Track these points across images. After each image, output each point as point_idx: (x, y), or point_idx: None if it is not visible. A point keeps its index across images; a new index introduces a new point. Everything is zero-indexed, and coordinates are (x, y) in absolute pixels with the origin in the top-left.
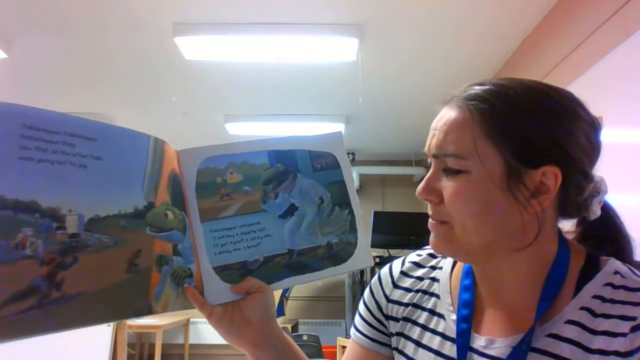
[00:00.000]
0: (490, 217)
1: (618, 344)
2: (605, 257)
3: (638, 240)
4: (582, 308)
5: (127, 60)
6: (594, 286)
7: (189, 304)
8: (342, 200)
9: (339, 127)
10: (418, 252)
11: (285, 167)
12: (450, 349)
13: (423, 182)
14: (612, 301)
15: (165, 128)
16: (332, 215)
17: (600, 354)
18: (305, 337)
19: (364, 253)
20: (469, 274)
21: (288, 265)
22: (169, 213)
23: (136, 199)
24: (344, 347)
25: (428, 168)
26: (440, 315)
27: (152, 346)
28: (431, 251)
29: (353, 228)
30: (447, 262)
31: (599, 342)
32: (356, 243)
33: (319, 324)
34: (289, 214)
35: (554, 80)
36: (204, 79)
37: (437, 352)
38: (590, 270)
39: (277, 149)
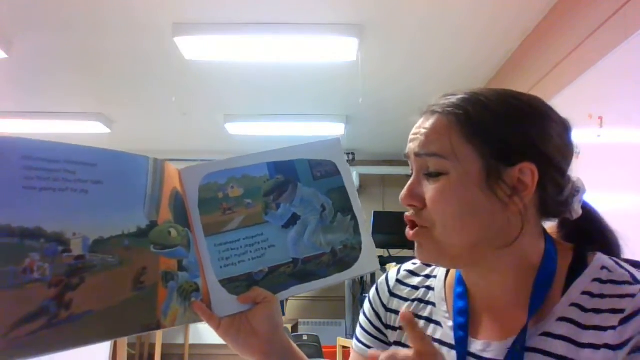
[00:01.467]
0: (472, 217)
1: (608, 338)
2: (592, 253)
3: (638, 239)
4: (572, 304)
5: (127, 60)
6: (583, 282)
7: (197, 318)
8: (344, 206)
9: (339, 127)
10: (413, 260)
11: (285, 177)
12: (447, 355)
13: (405, 188)
14: (601, 296)
15: (166, 128)
16: (334, 221)
17: (591, 348)
18: (305, 337)
19: (370, 257)
20: (461, 281)
21: (293, 274)
22: (172, 230)
23: (138, 219)
24: (344, 347)
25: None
26: (437, 323)
27: (152, 346)
28: None
29: (357, 233)
30: (441, 270)
31: (589, 337)
32: (361, 248)
33: (319, 324)
34: (292, 223)
35: (554, 80)
36: (203, 79)
37: None
38: (578, 266)
39: (276, 160)
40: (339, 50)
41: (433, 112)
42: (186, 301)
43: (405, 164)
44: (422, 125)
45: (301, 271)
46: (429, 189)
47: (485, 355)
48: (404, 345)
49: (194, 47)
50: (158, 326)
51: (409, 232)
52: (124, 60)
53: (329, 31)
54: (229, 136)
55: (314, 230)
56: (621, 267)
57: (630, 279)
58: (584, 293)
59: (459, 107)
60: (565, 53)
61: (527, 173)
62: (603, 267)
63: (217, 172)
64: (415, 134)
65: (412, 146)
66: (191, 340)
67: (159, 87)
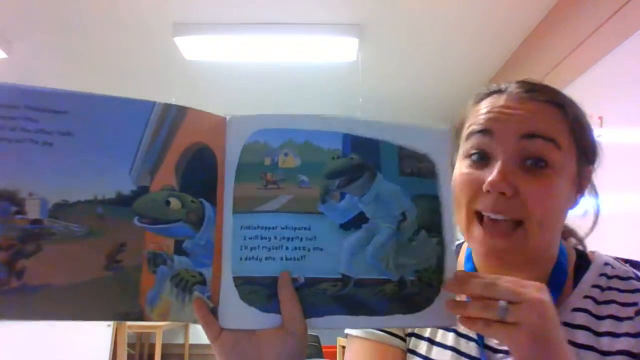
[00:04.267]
0: (563, 214)
1: (627, 327)
2: (591, 251)
3: (637, 240)
4: (586, 297)
5: (128, 60)
6: (591, 276)
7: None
8: (432, 223)
9: None
10: None
11: (362, 159)
12: (466, 346)
13: (498, 172)
14: (610, 289)
15: None
16: (414, 240)
17: (609, 336)
18: None
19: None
20: (469, 258)
21: (338, 297)
22: (173, 200)
23: (120, 182)
24: (344, 347)
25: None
26: None
27: (152, 346)
28: None
29: (440, 266)
30: None
31: (605, 326)
32: (439, 289)
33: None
34: (355, 225)
35: (554, 79)
36: (203, 79)
37: (454, 349)
38: (582, 262)
39: (357, 133)
40: (339, 50)
41: (531, 97)
42: (185, 294)
43: None
44: (522, 105)
45: (350, 297)
46: (530, 180)
47: (503, 347)
48: (417, 336)
49: (194, 47)
50: (141, 317)
51: (493, 218)
52: (124, 60)
53: (329, 31)
54: None
55: (383, 245)
56: (621, 264)
57: (632, 275)
58: (593, 286)
59: (561, 99)
60: (566, 53)
61: (590, 175)
62: (606, 264)
63: (272, 130)
64: (510, 113)
65: (510, 125)
66: (191, 340)
67: (159, 86)
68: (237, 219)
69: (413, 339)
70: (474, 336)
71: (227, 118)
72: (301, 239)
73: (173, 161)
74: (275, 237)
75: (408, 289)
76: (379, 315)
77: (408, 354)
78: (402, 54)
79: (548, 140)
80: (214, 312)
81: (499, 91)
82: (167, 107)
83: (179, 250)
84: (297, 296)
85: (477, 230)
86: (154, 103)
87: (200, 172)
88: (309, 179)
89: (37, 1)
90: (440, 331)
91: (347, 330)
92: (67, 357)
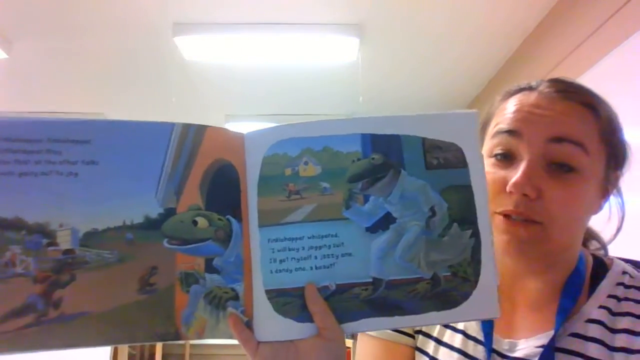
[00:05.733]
0: (587, 219)
1: None
2: (608, 257)
3: (639, 240)
4: (601, 307)
5: (128, 60)
6: (607, 285)
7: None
8: (464, 216)
9: None
10: None
11: (384, 158)
12: (474, 349)
13: (522, 173)
14: (626, 299)
15: None
16: (446, 235)
17: (624, 352)
18: None
19: (487, 297)
20: None
21: (370, 300)
22: (200, 220)
23: (147, 206)
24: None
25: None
26: None
27: (152, 347)
28: None
29: (475, 259)
30: None
31: (620, 340)
32: (476, 282)
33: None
34: (382, 227)
35: None
36: (204, 79)
37: (460, 352)
38: (600, 269)
39: (376, 132)
40: (340, 50)
41: (562, 97)
42: (219, 311)
43: None
44: (552, 106)
45: (382, 299)
46: (555, 184)
47: (512, 355)
48: (425, 334)
49: (194, 47)
50: (177, 337)
51: (512, 221)
52: (125, 60)
53: (329, 31)
54: None
55: (413, 243)
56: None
57: None
58: (609, 296)
59: (594, 100)
60: (566, 52)
61: (617, 180)
62: (624, 272)
63: (290, 140)
64: (540, 114)
65: (539, 127)
66: (192, 340)
67: (159, 87)
68: (264, 233)
69: (421, 337)
70: (482, 339)
71: (245, 134)
72: (329, 246)
73: (197, 180)
74: (303, 248)
75: (442, 285)
76: (414, 314)
77: (416, 352)
78: (402, 54)
79: (576, 144)
80: (248, 326)
81: (529, 88)
82: (186, 127)
83: (210, 268)
84: (328, 305)
85: (501, 221)
86: (173, 124)
87: (223, 189)
88: (331, 185)
89: (37, 1)
90: (448, 331)
91: None
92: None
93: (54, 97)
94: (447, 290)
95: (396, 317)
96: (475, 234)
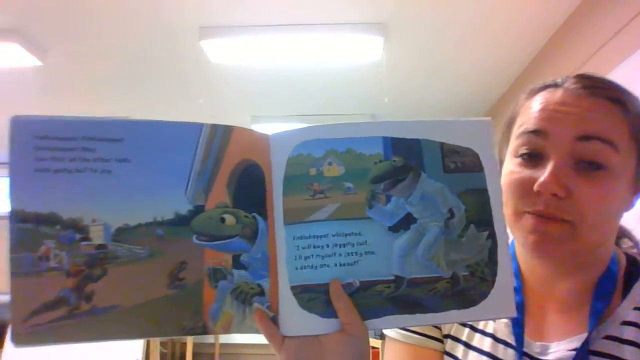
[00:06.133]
0: (618, 218)
1: None
2: None
3: None
4: (636, 308)
5: (156, 65)
6: None
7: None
8: (480, 218)
9: None
10: None
11: (405, 161)
12: (504, 353)
13: (550, 173)
14: None
15: None
16: (464, 236)
17: None
18: None
19: (504, 296)
20: (515, 276)
21: (393, 298)
22: (228, 217)
23: (177, 203)
24: (373, 348)
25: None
26: None
27: (183, 345)
28: None
29: (492, 260)
30: None
31: None
32: (493, 282)
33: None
34: (403, 226)
35: None
36: (230, 81)
37: (490, 355)
38: (634, 269)
39: (397, 135)
40: (364, 49)
41: (588, 93)
42: (246, 306)
43: None
44: (578, 103)
45: (404, 296)
46: (584, 182)
47: (544, 358)
48: (454, 338)
49: (220, 50)
50: (205, 331)
51: (541, 219)
52: (153, 64)
53: (354, 30)
54: None
55: (434, 243)
56: None
57: None
58: None
59: (623, 95)
60: (595, 48)
61: None
62: None
63: (314, 141)
64: (566, 112)
65: (565, 126)
66: (221, 340)
67: (187, 89)
68: (289, 231)
69: (450, 341)
70: (513, 342)
71: (270, 135)
72: (352, 244)
73: (224, 179)
74: (328, 245)
75: (461, 285)
76: (435, 312)
77: (445, 357)
78: (427, 52)
79: (605, 142)
80: (274, 321)
81: (554, 85)
82: (214, 127)
83: (237, 264)
84: (352, 301)
85: (529, 219)
86: (201, 125)
87: (250, 188)
88: (354, 185)
89: (69, 10)
90: (478, 335)
91: (385, 331)
92: (102, 355)
93: (86, 101)
94: (466, 289)
95: (417, 315)
96: (492, 236)
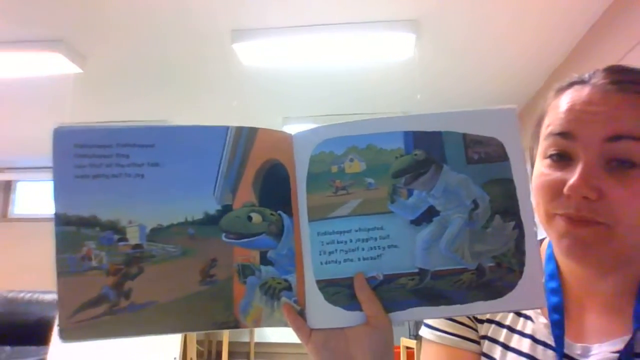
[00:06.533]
0: None
1: None
2: None
3: None
4: None
5: (190, 68)
6: None
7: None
8: (506, 208)
9: None
10: None
11: (426, 154)
12: (544, 354)
13: (579, 176)
14: None
15: None
16: (489, 227)
17: None
18: None
19: (532, 287)
20: (554, 276)
21: (417, 290)
22: (255, 215)
23: (206, 203)
24: (407, 348)
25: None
26: (527, 317)
27: (219, 344)
28: None
29: (519, 250)
30: None
31: None
32: (521, 272)
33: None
34: (426, 220)
35: None
36: (261, 83)
37: (529, 357)
38: None
39: (418, 129)
40: (396, 47)
41: (615, 90)
42: (274, 300)
43: None
44: (605, 102)
45: (428, 289)
46: (617, 183)
47: (585, 359)
48: (491, 339)
49: (251, 53)
50: (237, 325)
51: (573, 222)
52: (187, 68)
53: (385, 28)
54: None
55: (457, 235)
56: None
57: None
58: None
59: None
60: (636, 40)
61: None
62: None
63: (335, 139)
64: (593, 112)
65: (593, 127)
66: (256, 339)
67: (220, 92)
68: (314, 227)
69: (487, 342)
70: (552, 344)
71: (293, 134)
72: (375, 238)
73: (250, 179)
74: (351, 240)
75: (487, 276)
76: (460, 303)
77: (482, 358)
78: (460, 49)
79: (637, 140)
80: (301, 314)
81: (581, 82)
82: (239, 129)
83: (265, 260)
84: (376, 294)
85: (560, 222)
86: (227, 127)
87: (275, 187)
88: (375, 180)
89: (106, 17)
90: (516, 336)
91: (421, 333)
92: (142, 354)
93: (123, 106)
94: (493, 280)
95: (442, 307)
96: (519, 226)
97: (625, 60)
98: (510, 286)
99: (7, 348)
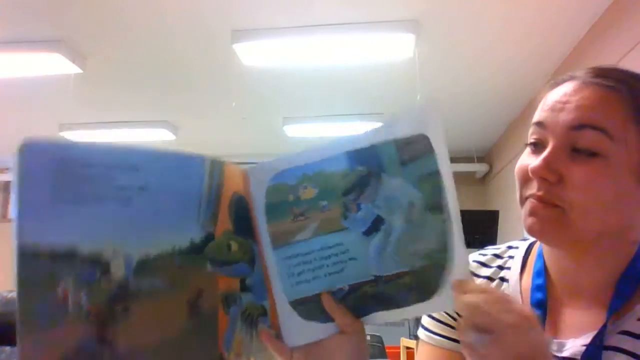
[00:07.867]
0: (618, 206)
1: None
2: None
3: None
4: None
5: (190, 69)
6: None
7: (267, 348)
8: (436, 201)
9: None
10: (481, 252)
11: (367, 168)
12: None
13: (541, 160)
14: None
15: (227, 132)
16: (424, 225)
17: None
18: (368, 337)
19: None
20: (541, 273)
21: (375, 296)
22: (233, 243)
23: (192, 230)
24: (407, 348)
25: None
26: None
27: None
28: (495, 251)
29: (449, 243)
30: (515, 262)
31: None
32: (449, 267)
33: (382, 324)
34: (375, 229)
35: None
36: (262, 83)
37: None
38: None
39: (357, 147)
40: (396, 47)
41: (589, 83)
42: (252, 328)
43: (467, 160)
44: (576, 94)
45: (381, 294)
46: (576, 169)
47: (560, 355)
48: None
49: (252, 53)
50: None
51: (536, 204)
52: (187, 69)
53: (385, 29)
54: (287, 138)
55: (400, 238)
56: None
57: None
58: None
59: (626, 84)
60: (635, 41)
61: None
62: None
63: (288, 170)
64: (564, 102)
65: (561, 116)
66: None
67: (220, 92)
68: (279, 253)
69: None
70: None
71: (247, 169)
72: (337, 254)
73: (226, 207)
74: (315, 259)
75: (423, 276)
76: (405, 306)
77: None
78: (459, 47)
79: (597, 129)
80: (278, 337)
81: (570, 79)
82: (212, 161)
83: (244, 286)
84: (345, 304)
85: (528, 204)
86: (203, 157)
87: (242, 217)
88: (328, 202)
89: (107, 19)
90: None
91: (417, 333)
92: None
93: (123, 107)
94: (426, 280)
95: (392, 310)
96: (447, 219)
97: (625, 61)
98: (443, 283)
99: (7, 348)
